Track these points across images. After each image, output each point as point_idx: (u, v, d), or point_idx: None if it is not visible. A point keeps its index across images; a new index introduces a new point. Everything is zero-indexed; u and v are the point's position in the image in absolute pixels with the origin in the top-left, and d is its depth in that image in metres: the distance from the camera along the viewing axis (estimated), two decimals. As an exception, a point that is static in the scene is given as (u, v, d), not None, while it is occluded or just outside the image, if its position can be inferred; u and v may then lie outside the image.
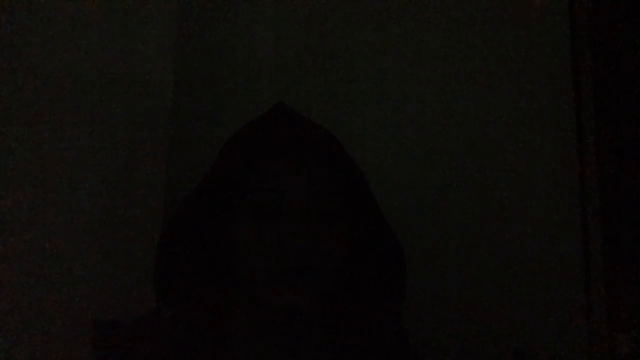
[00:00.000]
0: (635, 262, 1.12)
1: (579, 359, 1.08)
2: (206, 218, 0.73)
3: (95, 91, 1.02)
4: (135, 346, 0.68)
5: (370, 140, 1.15)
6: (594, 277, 1.12)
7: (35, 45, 0.99)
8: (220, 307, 0.72)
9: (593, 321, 1.10)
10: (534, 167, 1.15)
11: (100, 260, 0.97)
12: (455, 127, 1.16)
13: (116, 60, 1.04)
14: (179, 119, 1.07)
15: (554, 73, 1.19)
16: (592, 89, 1.18)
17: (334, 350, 0.74)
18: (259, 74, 1.16)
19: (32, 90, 0.98)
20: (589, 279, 1.12)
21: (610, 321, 1.10)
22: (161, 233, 0.75)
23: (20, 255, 0.93)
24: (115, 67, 1.04)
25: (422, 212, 1.12)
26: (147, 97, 1.05)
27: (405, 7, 1.20)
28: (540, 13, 1.20)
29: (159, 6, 1.08)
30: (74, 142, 0.99)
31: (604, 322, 1.09)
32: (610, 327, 1.09)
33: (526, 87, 1.18)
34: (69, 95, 1.00)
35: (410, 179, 1.13)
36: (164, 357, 0.67)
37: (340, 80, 1.17)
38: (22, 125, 0.97)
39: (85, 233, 0.97)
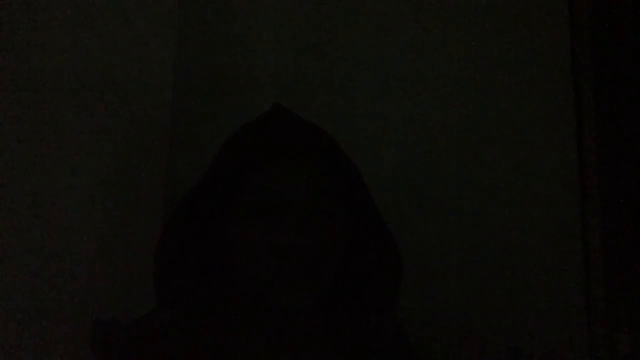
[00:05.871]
0: (635, 262, 1.12)
1: (579, 359, 1.08)
2: (205, 218, 0.73)
3: (95, 91, 1.02)
4: (135, 346, 0.68)
5: (369, 141, 1.15)
6: (594, 277, 1.12)
7: (35, 45, 0.99)
8: (220, 307, 0.72)
9: (593, 321, 1.10)
10: (534, 167, 1.15)
11: (100, 260, 0.97)
12: (455, 127, 1.16)
13: (116, 61, 1.04)
14: (179, 119, 1.07)
15: (554, 73, 1.19)
16: (592, 89, 1.18)
17: (332, 350, 0.74)
18: (259, 74, 1.16)
19: (32, 90, 0.98)
20: (589, 279, 1.12)
21: (610, 321, 1.10)
22: (160, 233, 0.75)
23: (20, 255, 0.93)
24: (115, 68, 1.04)
25: (422, 211, 1.12)
26: (147, 97, 1.05)
27: (405, 7, 1.20)
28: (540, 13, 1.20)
29: (159, 7, 1.08)
30: (73, 142, 0.99)
31: (604, 322, 1.09)
32: (610, 327, 1.09)
33: (526, 87, 1.18)
34: (69, 95, 1.00)
35: (409, 179, 1.13)
36: (163, 358, 0.67)
37: (340, 80, 1.17)
38: (22, 125, 0.97)
39: (85, 233, 0.97)
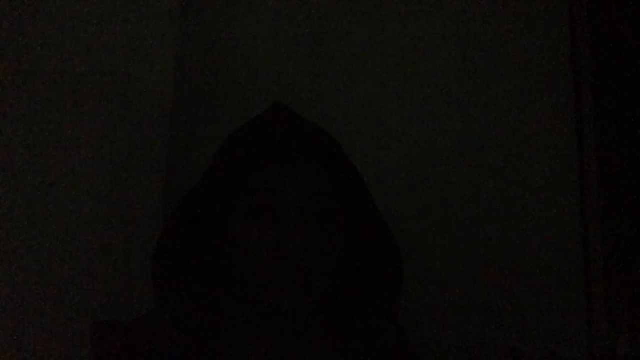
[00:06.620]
0: (635, 262, 1.12)
1: (579, 359, 1.08)
2: (204, 218, 0.73)
3: (96, 91, 1.02)
4: (135, 346, 0.68)
5: (369, 141, 1.15)
6: (594, 277, 1.12)
7: (35, 45, 0.99)
8: (219, 308, 0.72)
9: (593, 321, 1.10)
10: (534, 167, 1.15)
11: (100, 260, 0.97)
12: (455, 127, 1.16)
13: (116, 60, 1.04)
14: (179, 119, 1.07)
15: (554, 73, 1.19)
16: (592, 89, 1.18)
17: (333, 351, 0.74)
18: (259, 74, 1.16)
19: (32, 90, 0.98)
20: (589, 279, 1.12)
21: (610, 321, 1.10)
22: (159, 233, 0.75)
23: (20, 255, 0.93)
24: (115, 67, 1.04)
25: (422, 211, 1.12)
26: (147, 97, 1.05)
27: (404, 7, 1.20)
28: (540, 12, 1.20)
29: (159, 6, 1.08)
30: (73, 141, 0.99)
31: (604, 322, 1.09)
32: (610, 327, 1.09)
33: (526, 88, 1.18)
34: (69, 95, 1.00)
35: (409, 179, 1.13)
36: (163, 358, 0.67)
37: (339, 80, 1.17)
38: (22, 125, 0.97)
39: (85, 233, 0.97)
